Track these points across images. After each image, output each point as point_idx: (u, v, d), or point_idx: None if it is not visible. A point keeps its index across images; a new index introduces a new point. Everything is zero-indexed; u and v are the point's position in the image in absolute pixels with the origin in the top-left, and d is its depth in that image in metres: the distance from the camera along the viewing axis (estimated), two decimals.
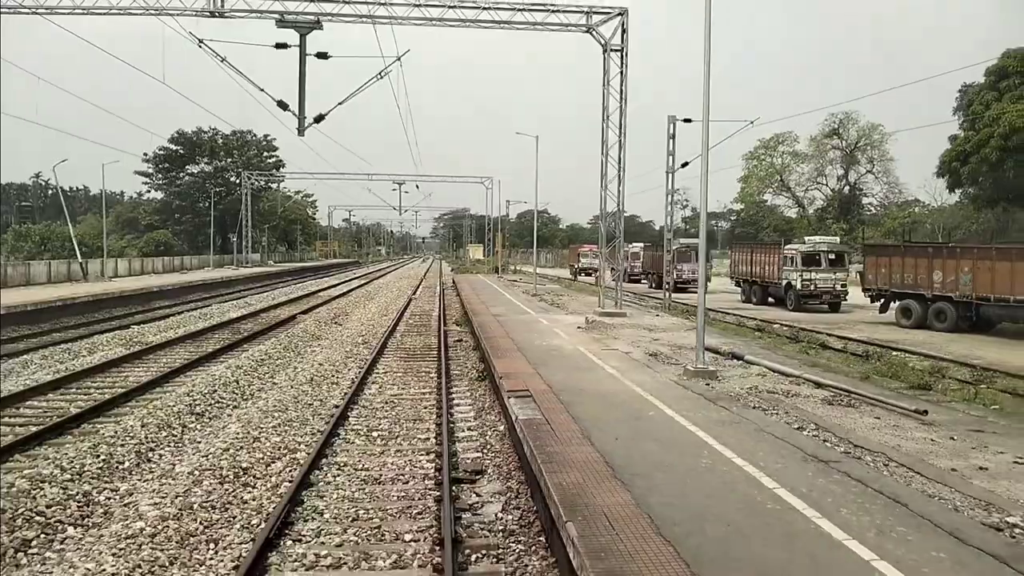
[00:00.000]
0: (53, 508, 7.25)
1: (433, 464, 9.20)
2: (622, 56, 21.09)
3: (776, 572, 5.03)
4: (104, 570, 5.93)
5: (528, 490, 8.20)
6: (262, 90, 19.11)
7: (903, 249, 27.50)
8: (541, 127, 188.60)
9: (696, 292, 45.06)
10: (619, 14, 20.84)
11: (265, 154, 77.49)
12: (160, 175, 73.72)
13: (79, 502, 7.52)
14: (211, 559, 6.37)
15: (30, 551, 6.45)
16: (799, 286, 32.03)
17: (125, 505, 7.54)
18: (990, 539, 5.35)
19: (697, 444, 8.11)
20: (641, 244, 57.07)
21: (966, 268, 24.09)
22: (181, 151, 72.52)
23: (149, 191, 76.42)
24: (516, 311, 25.49)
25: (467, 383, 14.68)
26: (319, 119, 19.51)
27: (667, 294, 33.92)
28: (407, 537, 6.99)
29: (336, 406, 12.10)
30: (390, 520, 7.41)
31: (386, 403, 12.79)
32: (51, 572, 6.02)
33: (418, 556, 6.59)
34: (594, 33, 21.15)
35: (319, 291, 41.55)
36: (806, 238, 35.41)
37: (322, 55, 18.79)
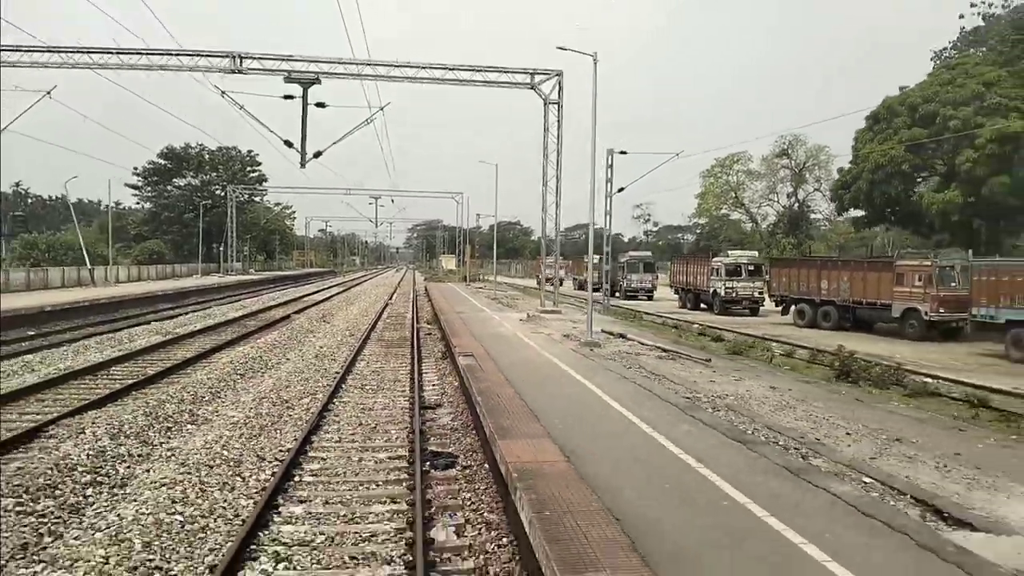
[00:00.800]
0: (173, 415, 11.85)
1: (408, 401, 13.88)
2: (559, 108, 26.25)
3: (575, 416, 10.05)
4: (223, 435, 10.58)
5: (468, 414, 12.94)
6: (272, 131, 23.80)
7: (798, 262, 32.95)
8: (513, 147, 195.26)
9: (644, 299, 50.12)
10: (556, 75, 26.05)
11: (248, 168, 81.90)
12: (149, 188, 77.79)
13: (188, 413, 12.12)
14: (281, 437, 11.00)
15: (171, 433, 11.05)
16: (723, 293, 37.30)
17: (217, 415, 12.16)
18: (679, 401, 10.57)
19: (564, 374, 13.33)
20: (599, 256, 62.30)
21: (845, 278, 29.44)
22: (169, 165, 76.71)
23: (139, 203, 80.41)
24: (475, 310, 30.38)
25: (433, 361, 19.37)
26: (317, 155, 24.28)
27: (605, 298, 38.86)
28: (392, 432, 11.67)
29: (337, 372, 16.70)
30: (382, 425, 12.10)
31: (373, 372, 17.43)
32: (193, 438, 10.62)
33: (399, 438, 11.28)
34: (537, 90, 26.31)
35: (303, 296, 45.92)
36: (729, 252, 40.73)
37: (320, 104, 23.51)
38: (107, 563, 6.31)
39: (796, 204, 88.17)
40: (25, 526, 7.04)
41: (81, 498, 7.94)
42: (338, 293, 51.30)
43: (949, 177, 31.76)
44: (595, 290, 58.12)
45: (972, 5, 34.41)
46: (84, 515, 7.46)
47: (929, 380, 16.56)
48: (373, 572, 6.46)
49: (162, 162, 76.06)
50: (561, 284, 66.62)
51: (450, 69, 25.46)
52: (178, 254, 74.47)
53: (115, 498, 7.96)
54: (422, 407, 13.29)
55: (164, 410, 11.89)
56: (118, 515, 7.37)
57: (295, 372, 16.40)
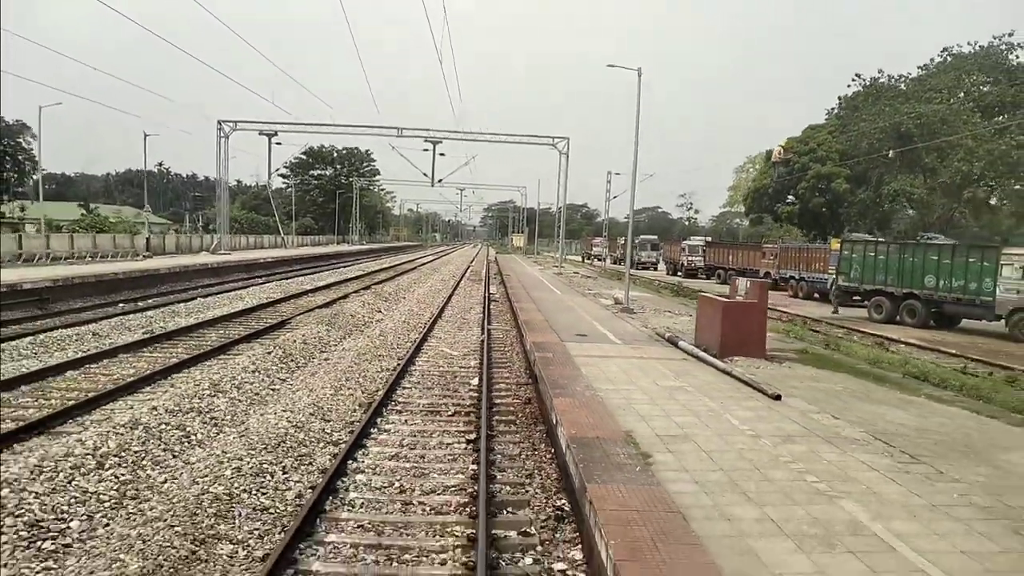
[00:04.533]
0: (396, 294, 31.73)
1: (482, 294, 33.38)
2: (567, 159, 45.29)
3: (531, 282, 29.45)
4: (419, 298, 30.42)
5: (509, 303, 32.36)
6: (415, 167, 43.83)
7: (718, 244, 51.06)
8: (584, 134, 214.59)
9: (651, 270, 68.69)
10: (566, 139, 45.21)
11: (365, 164, 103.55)
12: (293, 176, 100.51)
13: (402, 293, 31.95)
14: (438, 300, 30.65)
15: (397, 299, 30.86)
16: (686, 264, 55.66)
17: (413, 294, 31.97)
18: (567, 283, 29.70)
19: (536, 277, 32.73)
20: (623, 239, 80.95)
21: (740, 254, 47.52)
22: (309, 159, 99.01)
23: (288, 187, 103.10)
24: (520, 266, 49.99)
25: (495, 285, 38.78)
26: (440, 181, 44.28)
27: (607, 264, 57.75)
28: (477, 297, 31.19)
29: (452, 287, 36.22)
30: (472, 298, 31.67)
31: (466, 291, 37.02)
32: (415, 293, 30.35)
33: (479, 300, 30.75)
34: (556, 147, 45.42)
35: (412, 260, 65.99)
36: (691, 237, 58.86)
37: (442, 154, 43.38)
38: (374, 341, 26.19)
39: None
40: (339, 329, 27.03)
41: (361, 318, 27.86)
42: (434, 259, 71.33)
43: (796, 197, 49.36)
44: (615, 263, 76.95)
45: (853, 79, 50.56)
46: (370, 325, 27.36)
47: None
48: (474, 309, 26.02)
49: (303, 157, 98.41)
50: (604, 260, 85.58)
51: (511, 135, 44.91)
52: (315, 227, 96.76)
53: (379, 320, 27.84)
54: (488, 298, 32.86)
55: (393, 291, 31.83)
56: (393, 318, 27.26)
57: (434, 285, 36.26)
